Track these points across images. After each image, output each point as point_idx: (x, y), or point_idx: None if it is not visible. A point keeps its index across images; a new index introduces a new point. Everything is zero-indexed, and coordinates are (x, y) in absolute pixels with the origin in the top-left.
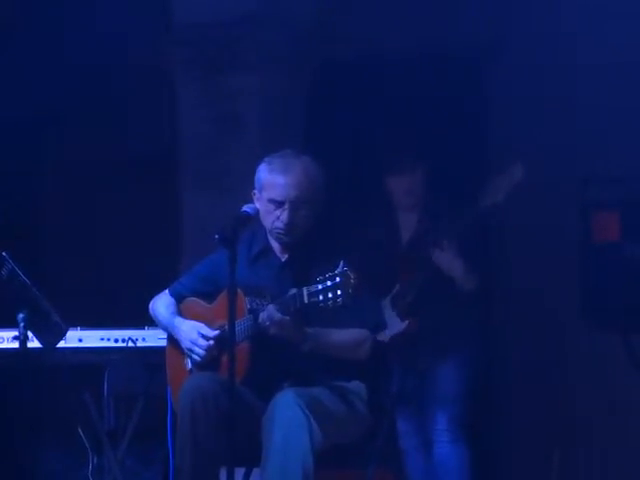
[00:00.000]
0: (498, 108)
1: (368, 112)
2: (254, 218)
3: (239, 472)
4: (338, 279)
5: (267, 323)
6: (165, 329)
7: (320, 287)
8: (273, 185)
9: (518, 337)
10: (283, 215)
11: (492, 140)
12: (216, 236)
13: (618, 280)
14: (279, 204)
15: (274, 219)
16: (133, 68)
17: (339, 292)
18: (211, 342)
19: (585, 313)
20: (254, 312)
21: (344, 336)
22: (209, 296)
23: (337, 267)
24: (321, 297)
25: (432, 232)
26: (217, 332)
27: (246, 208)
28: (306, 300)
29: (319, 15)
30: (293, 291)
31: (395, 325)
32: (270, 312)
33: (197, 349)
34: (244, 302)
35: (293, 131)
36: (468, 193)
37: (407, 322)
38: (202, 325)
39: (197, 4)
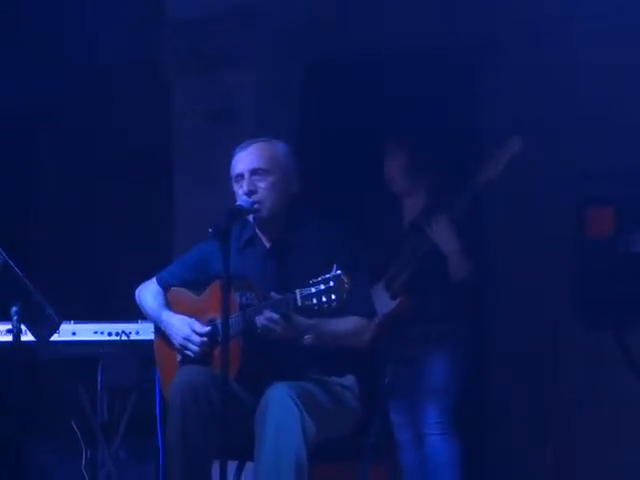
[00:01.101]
0: (494, 104)
1: (362, 108)
2: (248, 212)
3: (232, 466)
4: (332, 283)
5: (265, 323)
6: (152, 321)
7: (314, 290)
8: (236, 163)
9: (512, 332)
10: (244, 186)
11: (488, 137)
12: (210, 230)
13: (612, 274)
14: (241, 177)
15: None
16: (128, 63)
17: (333, 297)
18: (204, 338)
19: (578, 307)
20: (244, 307)
21: (344, 324)
22: (197, 285)
23: (331, 270)
24: (315, 300)
25: (433, 211)
26: (209, 328)
27: (241, 202)
28: (299, 303)
29: (314, 11)
30: (286, 295)
31: (386, 304)
32: (267, 316)
33: (191, 345)
34: (234, 297)
35: (288, 127)
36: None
37: (398, 300)
38: (193, 320)
39: None
